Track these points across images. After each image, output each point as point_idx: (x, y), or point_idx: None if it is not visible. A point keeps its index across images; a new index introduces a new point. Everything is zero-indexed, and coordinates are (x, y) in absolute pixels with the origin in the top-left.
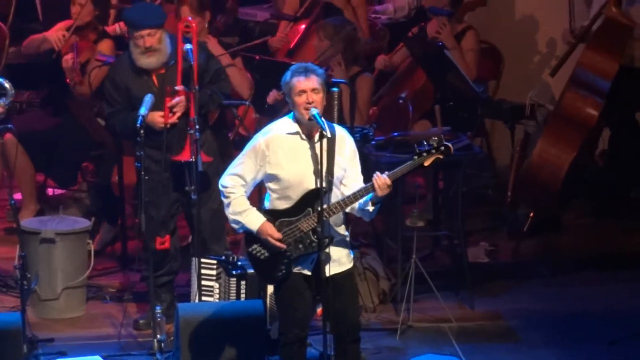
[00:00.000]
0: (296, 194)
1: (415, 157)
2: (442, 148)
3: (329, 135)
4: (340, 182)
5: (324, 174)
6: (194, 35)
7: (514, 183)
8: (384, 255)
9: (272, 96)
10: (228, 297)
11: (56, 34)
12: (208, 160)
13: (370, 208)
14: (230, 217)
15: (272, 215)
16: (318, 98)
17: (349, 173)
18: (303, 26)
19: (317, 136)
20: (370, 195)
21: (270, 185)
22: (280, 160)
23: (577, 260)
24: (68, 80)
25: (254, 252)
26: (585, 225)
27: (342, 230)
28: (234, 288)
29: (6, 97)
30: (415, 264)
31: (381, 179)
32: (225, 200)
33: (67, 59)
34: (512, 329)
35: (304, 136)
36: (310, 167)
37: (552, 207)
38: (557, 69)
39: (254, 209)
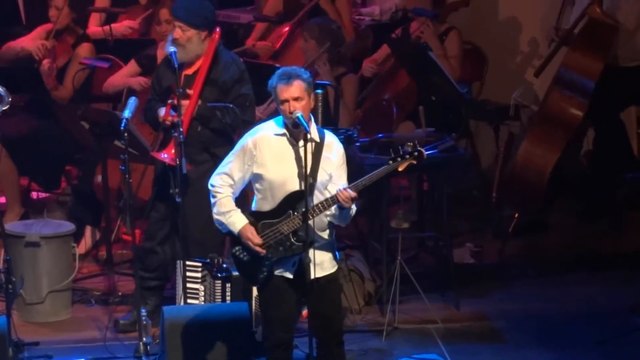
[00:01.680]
0: (279, 196)
1: (390, 162)
2: (416, 153)
3: (313, 138)
4: (325, 188)
5: (307, 176)
6: (214, 42)
7: (499, 184)
8: (369, 256)
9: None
10: (213, 299)
11: (35, 44)
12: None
13: (337, 212)
14: (215, 217)
15: (257, 216)
16: (300, 105)
17: (334, 179)
18: (287, 28)
19: (303, 140)
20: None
21: (256, 185)
22: (266, 161)
23: (562, 260)
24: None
25: (237, 253)
26: (570, 225)
27: (325, 234)
28: (219, 290)
29: (1, 104)
30: (401, 265)
31: (344, 194)
32: (212, 200)
33: (44, 64)
34: (498, 330)
35: (291, 138)
36: (294, 169)
37: (537, 207)
38: (541, 70)
39: (238, 210)
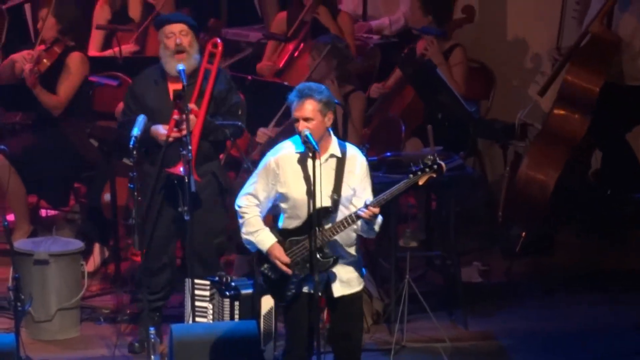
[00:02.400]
0: (304, 213)
1: (411, 175)
2: (435, 167)
3: (334, 154)
4: (350, 202)
5: (324, 192)
6: (218, 56)
7: (505, 203)
8: (377, 275)
9: (261, 135)
10: (222, 317)
11: (21, 54)
12: (197, 180)
13: (365, 226)
14: (244, 236)
15: (284, 234)
16: (312, 125)
17: (358, 193)
18: (289, 46)
19: (324, 156)
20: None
21: (282, 204)
22: (289, 179)
23: (569, 279)
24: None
25: (265, 271)
26: (577, 244)
27: (353, 250)
28: (228, 309)
29: None
30: (409, 284)
31: (367, 213)
32: (240, 220)
33: (26, 68)
34: (505, 349)
35: (311, 155)
36: (316, 186)
37: (540, 224)
38: (546, 89)
39: (267, 229)
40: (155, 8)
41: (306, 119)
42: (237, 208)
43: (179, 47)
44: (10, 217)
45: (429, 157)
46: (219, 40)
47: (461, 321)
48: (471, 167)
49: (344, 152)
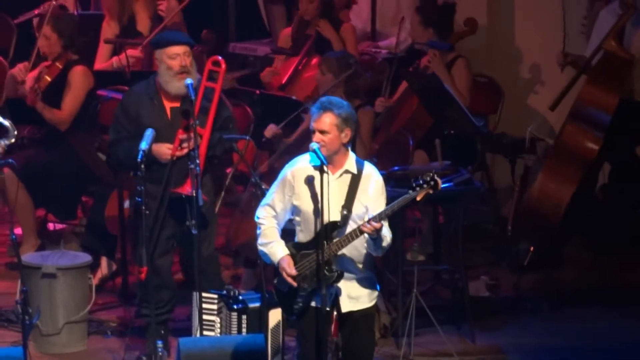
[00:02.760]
0: (314, 227)
1: (410, 191)
2: (432, 183)
3: (349, 170)
4: (361, 219)
5: (334, 208)
6: (222, 74)
7: (514, 217)
8: (385, 289)
9: (271, 130)
10: (229, 331)
11: (17, 67)
12: (205, 200)
13: (371, 243)
14: (259, 247)
15: (297, 247)
16: (327, 139)
17: (371, 211)
18: (294, 61)
19: (339, 171)
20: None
21: (296, 217)
22: (302, 192)
23: (577, 294)
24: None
25: (277, 284)
26: (585, 259)
27: (364, 267)
28: (235, 322)
29: (7, 138)
30: (416, 298)
31: (368, 228)
32: (257, 231)
33: (26, 85)
34: None
35: (326, 170)
36: (328, 201)
37: (551, 240)
38: (557, 103)
39: (280, 241)
40: (163, 20)
41: (322, 132)
42: (256, 219)
43: (184, 69)
44: (18, 231)
45: (428, 173)
46: (220, 58)
47: (469, 335)
48: (479, 181)
49: (360, 170)
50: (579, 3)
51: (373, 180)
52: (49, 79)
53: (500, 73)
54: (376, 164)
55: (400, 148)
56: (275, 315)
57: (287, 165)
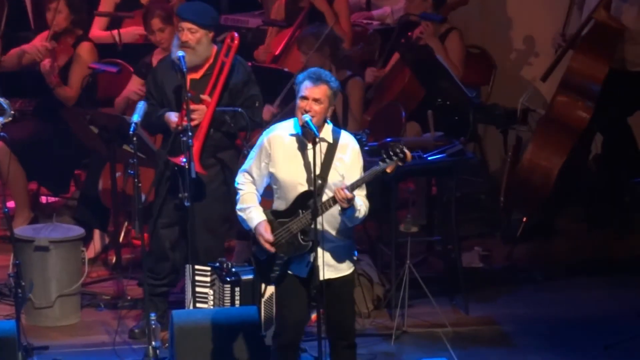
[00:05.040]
0: (291, 196)
1: (380, 162)
2: (401, 155)
3: (325, 139)
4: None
5: (315, 177)
6: (234, 48)
7: (507, 188)
8: (378, 261)
9: (268, 111)
10: (222, 303)
11: (35, 46)
12: (202, 173)
13: (342, 215)
14: (237, 213)
15: (274, 215)
16: (318, 108)
17: (347, 180)
18: (287, 33)
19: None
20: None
21: (273, 185)
22: (279, 160)
23: (570, 265)
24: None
25: (255, 251)
26: (578, 230)
27: (341, 235)
28: (229, 294)
29: (3, 117)
30: (409, 269)
31: (341, 194)
32: (237, 197)
33: (45, 64)
34: (507, 334)
35: (304, 139)
36: (304, 170)
37: (543, 211)
38: (548, 74)
39: (258, 207)
40: None
41: (316, 100)
42: (235, 185)
43: (184, 44)
44: (11, 204)
45: (397, 145)
46: (236, 34)
47: (462, 306)
48: (471, 152)
49: (336, 139)
50: None
51: (349, 149)
52: (65, 57)
53: (492, 44)
54: (368, 136)
55: (392, 120)
56: (268, 288)
57: (264, 132)
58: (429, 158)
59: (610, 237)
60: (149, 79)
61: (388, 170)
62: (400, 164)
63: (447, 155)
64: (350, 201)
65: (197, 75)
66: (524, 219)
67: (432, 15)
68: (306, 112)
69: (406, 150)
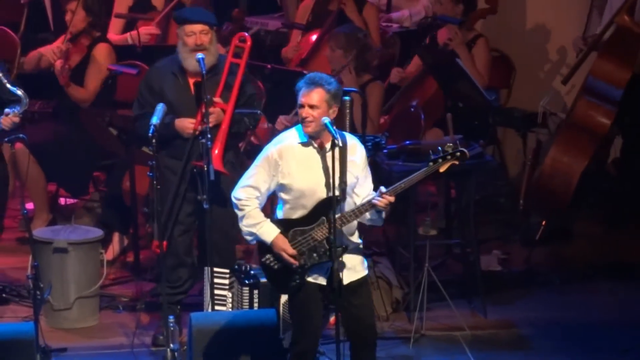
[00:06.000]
0: (310, 203)
1: (431, 163)
2: (458, 154)
3: (340, 144)
4: (353, 191)
5: (336, 182)
6: (247, 50)
7: (526, 191)
8: (397, 263)
9: (280, 122)
10: (241, 306)
11: (51, 48)
12: (225, 174)
13: (376, 216)
14: (245, 229)
15: (285, 225)
16: (316, 114)
17: (360, 181)
18: (314, 36)
19: (328, 145)
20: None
21: (283, 195)
22: (293, 170)
23: (589, 268)
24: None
25: (268, 262)
26: (597, 234)
27: (355, 238)
28: (247, 297)
29: (20, 106)
30: (428, 272)
31: (383, 201)
32: (240, 213)
33: (57, 64)
34: (525, 337)
35: (315, 145)
36: (322, 176)
37: (563, 215)
38: (569, 77)
39: (268, 221)
40: None
41: (312, 106)
42: (235, 200)
43: (198, 47)
44: (30, 206)
45: (450, 144)
46: (246, 34)
47: (480, 309)
48: (490, 155)
49: (344, 142)
50: None
51: (358, 150)
52: (78, 58)
53: (512, 47)
54: (387, 138)
55: (412, 123)
56: None
57: (270, 144)
58: None
59: (629, 241)
60: (142, 86)
61: (441, 170)
62: (456, 163)
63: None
64: (393, 202)
65: (200, 78)
66: (543, 223)
67: (450, 18)
68: (304, 119)
69: (463, 149)
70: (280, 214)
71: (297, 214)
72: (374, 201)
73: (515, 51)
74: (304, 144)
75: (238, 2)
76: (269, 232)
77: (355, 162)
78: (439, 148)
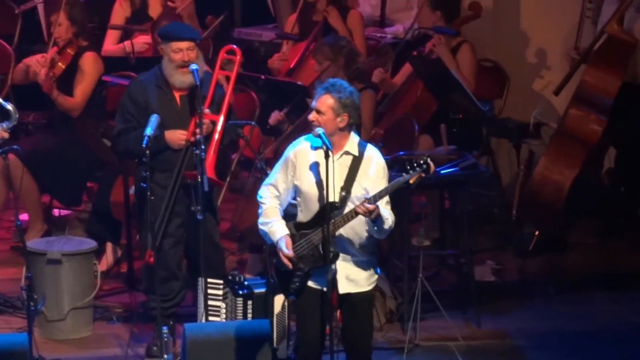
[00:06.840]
0: (314, 207)
1: (404, 174)
2: (425, 166)
3: (350, 152)
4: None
5: (337, 190)
6: (237, 62)
7: (519, 201)
8: (391, 274)
9: (274, 117)
10: (235, 316)
11: (35, 58)
12: (220, 184)
13: (370, 225)
14: (260, 227)
15: (297, 227)
16: (322, 120)
17: (371, 194)
18: (301, 47)
19: (339, 153)
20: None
21: (297, 197)
22: (303, 172)
23: (583, 279)
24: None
25: (277, 263)
26: (591, 244)
27: (364, 250)
28: (241, 308)
29: (9, 121)
30: (422, 282)
31: (362, 209)
32: (259, 210)
33: (42, 73)
34: (519, 348)
35: (331, 154)
36: (327, 182)
37: (555, 224)
38: (560, 88)
39: (280, 221)
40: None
41: (318, 111)
42: (258, 199)
43: (186, 63)
44: (24, 217)
45: (421, 156)
46: (235, 47)
47: (474, 320)
48: (484, 165)
49: (362, 152)
50: None
51: (374, 162)
52: (62, 66)
53: (505, 58)
54: (381, 149)
55: (406, 133)
56: (280, 301)
57: (290, 145)
58: (442, 172)
59: (623, 251)
60: (125, 100)
61: (411, 182)
62: (423, 175)
63: (460, 168)
64: (373, 213)
65: (185, 92)
66: (536, 233)
67: (445, 29)
68: (311, 122)
69: (430, 162)
70: (297, 216)
71: (306, 217)
72: (356, 208)
73: (509, 62)
74: (318, 149)
75: (232, 13)
76: (276, 231)
77: (368, 174)
78: (412, 161)
